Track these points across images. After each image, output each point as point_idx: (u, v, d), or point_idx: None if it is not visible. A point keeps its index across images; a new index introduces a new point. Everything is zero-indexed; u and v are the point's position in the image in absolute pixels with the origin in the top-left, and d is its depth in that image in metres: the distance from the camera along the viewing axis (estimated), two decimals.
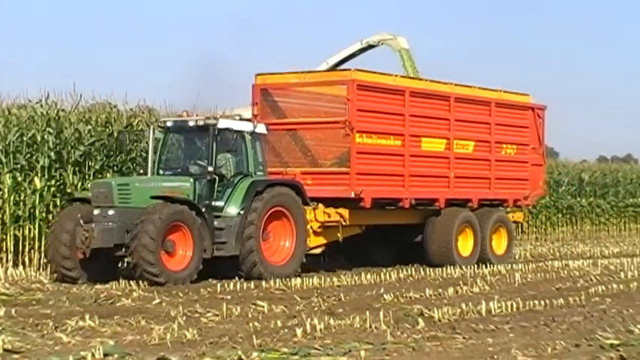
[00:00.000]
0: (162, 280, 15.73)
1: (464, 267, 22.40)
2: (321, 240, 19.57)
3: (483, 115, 22.56)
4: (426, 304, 14.36)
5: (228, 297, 15.58)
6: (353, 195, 18.99)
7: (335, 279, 18.55)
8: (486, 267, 22.19)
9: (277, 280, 18.34)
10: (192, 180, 17.37)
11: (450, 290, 16.63)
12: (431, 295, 15.95)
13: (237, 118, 18.82)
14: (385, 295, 15.70)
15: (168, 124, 18.46)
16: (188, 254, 16.43)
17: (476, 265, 23.06)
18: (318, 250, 19.95)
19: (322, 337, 11.32)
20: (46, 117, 21.87)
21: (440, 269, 21.23)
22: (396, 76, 21.05)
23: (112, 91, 23.10)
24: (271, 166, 19.38)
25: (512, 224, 23.68)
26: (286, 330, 11.73)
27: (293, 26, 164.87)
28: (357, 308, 13.92)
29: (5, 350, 9.78)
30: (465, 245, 21.88)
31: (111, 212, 16.57)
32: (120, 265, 17.09)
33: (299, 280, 18.10)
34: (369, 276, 19.48)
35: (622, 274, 20.25)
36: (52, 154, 21.71)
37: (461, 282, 17.96)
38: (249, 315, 13.21)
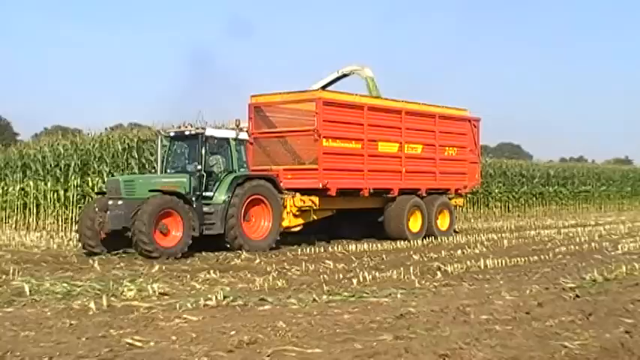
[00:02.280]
0: (156, 255, 15.58)
1: (468, 236, 22.72)
2: (300, 220, 19.54)
3: (429, 125, 22.75)
4: (442, 261, 15.28)
5: (306, 258, 16.44)
6: (321, 186, 19.13)
7: (379, 245, 19.42)
8: (484, 235, 22.91)
9: (339, 245, 19.19)
10: (188, 176, 17.39)
11: (459, 251, 17.65)
12: (445, 255, 16.98)
13: (236, 126, 18.44)
14: (414, 256, 16.65)
15: (171, 134, 18.55)
16: (179, 234, 16.18)
17: (476, 234, 23.69)
18: (297, 228, 19.67)
19: (370, 285, 12.00)
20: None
21: (451, 238, 21.80)
22: (356, 95, 21.13)
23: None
24: (263, 164, 19.94)
25: (454, 207, 23.93)
26: (346, 280, 12.55)
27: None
28: (394, 265, 14.70)
29: (160, 293, 10.96)
30: (415, 224, 21.89)
31: (120, 202, 16.60)
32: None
33: (354, 245, 18.92)
34: (402, 243, 20.23)
35: (577, 239, 21.65)
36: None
37: (466, 246, 19.05)
38: (320, 270, 14.09)
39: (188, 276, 12.87)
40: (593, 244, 19.30)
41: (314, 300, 10.21)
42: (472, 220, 33.87)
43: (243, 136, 18.76)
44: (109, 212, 16.50)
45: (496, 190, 39.37)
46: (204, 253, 17.03)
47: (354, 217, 21.68)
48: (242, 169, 18.32)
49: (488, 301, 10.14)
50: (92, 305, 9.66)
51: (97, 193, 19.46)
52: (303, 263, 14.74)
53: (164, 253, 15.63)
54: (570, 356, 7.08)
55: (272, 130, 20.30)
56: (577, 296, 10.59)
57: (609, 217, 37.62)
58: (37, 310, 9.56)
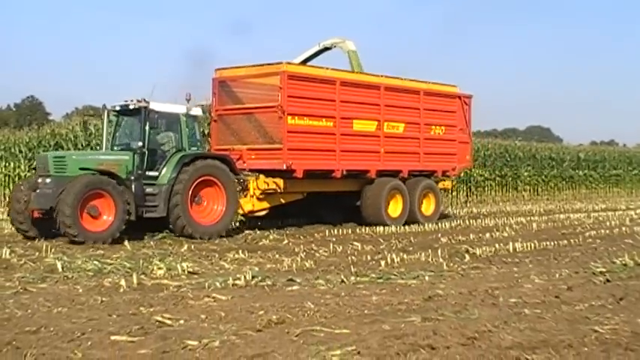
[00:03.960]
0: (80, 239, 14.20)
1: (496, 219, 22.21)
2: (265, 204, 18.22)
3: (413, 102, 20.91)
4: (470, 244, 15.23)
5: (334, 239, 16.46)
6: (285, 167, 17.44)
7: (406, 227, 19.47)
8: (512, 219, 22.61)
9: (366, 227, 18.86)
10: (131, 154, 15.63)
11: (487, 235, 17.60)
12: (474, 238, 16.89)
13: (186, 100, 16.47)
14: (442, 238, 16.65)
15: (117, 108, 16.51)
16: (110, 218, 14.63)
17: (504, 217, 23.27)
18: (262, 213, 18.47)
19: (398, 267, 12.02)
20: None
21: (479, 221, 21.70)
22: (327, 69, 19.32)
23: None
24: (228, 143, 18.49)
25: (440, 191, 22.25)
26: (373, 262, 12.58)
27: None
28: (422, 247, 14.71)
29: (189, 272, 11.04)
30: (395, 208, 20.25)
31: (48, 180, 15.05)
32: None
33: (381, 227, 18.82)
34: (430, 225, 20.19)
35: (607, 223, 21.46)
36: None
37: (494, 229, 18.96)
38: (348, 251, 14.11)
39: (217, 255, 12.96)
40: (623, 229, 19.15)
41: (342, 281, 10.23)
42: (500, 204, 33.66)
43: (197, 111, 17.13)
44: (36, 191, 15.06)
45: (525, 174, 39.06)
46: (232, 234, 16.96)
47: (333, 201, 20.12)
48: (194, 148, 16.66)
49: (517, 285, 10.10)
50: (123, 283, 9.76)
51: (33, 169, 18.12)
52: (331, 245, 14.76)
53: (91, 238, 14.26)
54: (601, 340, 6.97)
55: (236, 106, 18.68)
56: (607, 280, 10.53)
57: None
58: (70, 287, 9.67)
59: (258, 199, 17.99)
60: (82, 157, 16.44)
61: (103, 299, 8.80)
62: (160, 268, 10.96)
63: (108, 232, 14.56)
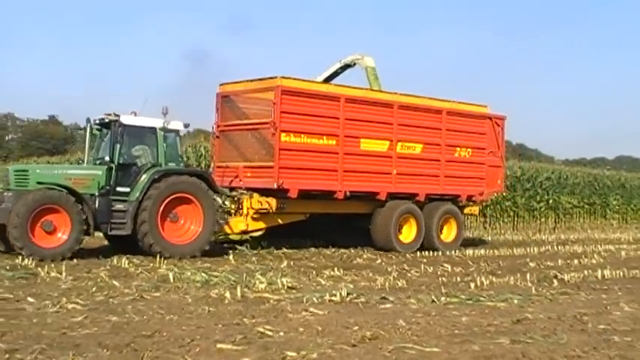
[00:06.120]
0: (27, 253, 13.17)
1: (585, 246, 21.12)
2: (261, 224, 16.82)
3: (434, 122, 19.00)
4: (558, 270, 14.88)
5: (425, 260, 16.38)
6: (276, 186, 16.04)
7: (495, 250, 19.19)
8: (601, 246, 21.83)
9: (457, 250, 18.55)
10: (105, 168, 14.56)
11: (575, 261, 17.20)
12: (562, 264, 16.48)
13: (163, 114, 15.14)
14: (530, 263, 16.28)
15: (97, 121, 15.36)
16: (64, 235, 13.63)
17: (592, 245, 22.39)
18: (258, 233, 17.02)
19: (487, 289, 11.79)
20: None
21: (567, 247, 20.99)
22: (330, 84, 18.48)
23: None
24: (231, 160, 17.20)
25: (462, 216, 19.94)
26: (463, 283, 12.42)
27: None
28: (510, 271, 14.47)
29: (288, 287, 11.08)
30: (409, 233, 18.42)
31: (8, 194, 14.17)
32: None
33: (471, 250, 18.71)
34: (519, 249, 19.69)
35: None
36: None
37: (583, 256, 18.48)
38: (438, 272, 14.06)
39: (314, 272, 13.02)
40: None
41: (433, 301, 10.11)
42: (589, 231, 32.64)
43: (177, 125, 15.50)
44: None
45: (614, 202, 38.00)
46: (327, 252, 16.98)
47: (345, 223, 18.51)
48: (172, 163, 15.30)
49: (606, 311, 9.78)
50: (227, 295, 9.94)
51: None
52: (422, 265, 14.65)
53: (41, 254, 13.23)
54: None
55: (236, 122, 17.32)
56: None
57: None
58: (180, 297, 9.90)
59: (253, 218, 16.71)
60: (47, 170, 15.39)
61: (210, 309, 8.96)
62: (261, 282, 11.07)
63: (61, 248, 13.60)
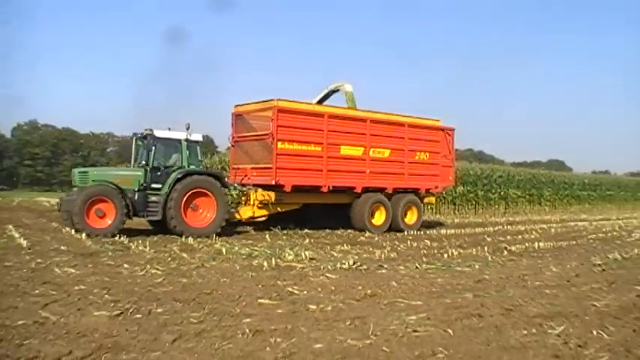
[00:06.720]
0: (85, 232, 13.29)
1: (526, 225, 21.08)
2: (264, 212, 16.47)
3: (398, 132, 18.28)
4: (508, 243, 14.77)
5: (410, 237, 16.09)
6: (274, 182, 15.68)
7: (462, 230, 18.97)
8: (537, 225, 21.67)
9: (434, 230, 18.50)
10: (143, 170, 14.47)
11: (519, 236, 16.96)
12: (510, 239, 16.25)
13: (186, 129, 14.79)
14: (487, 238, 16.14)
15: (139, 135, 15.27)
16: (111, 218, 13.58)
17: (532, 224, 22.10)
18: (263, 218, 16.96)
19: (456, 258, 11.68)
20: None
21: (513, 226, 20.92)
22: (316, 104, 18.06)
23: None
24: (243, 163, 16.84)
25: (421, 204, 19.08)
26: (439, 254, 12.23)
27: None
28: (473, 244, 14.27)
29: (310, 258, 10.96)
30: (379, 218, 17.73)
31: (74, 189, 14.41)
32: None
33: (444, 230, 18.65)
34: (479, 228, 19.64)
35: (603, 229, 20.36)
36: None
37: (525, 233, 18.35)
38: (420, 246, 13.75)
39: (328, 247, 12.90)
40: (614, 233, 18.21)
41: (416, 267, 10.04)
42: (529, 214, 32.39)
43: (197, 137, 15.19)
44: (64, 197, 14.86)
45: (546, 194, 38.10)
46: (338, 232, 16.87)
47: (330, 210, 17.94)
48: (193, 166, 15.01)
49: (540, 272, 9.78)
50: (265, 264, 9.91)
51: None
52: (408, 241, 14.52)
53: (94, 232, 13.31)
54: (598, 312, 6.89)
55: (246, 134, 16.91)
56: (603, 270, 10.26)
57: (626, 214, 34.81)
58: (230, 265, 9.88)
59: (258, 207, 16.34)
60: (102, 171, 15.09)
61: (252, 274, 8.96)
62: (290, 255, 11.00)
63: (109, 228, 13.57)
